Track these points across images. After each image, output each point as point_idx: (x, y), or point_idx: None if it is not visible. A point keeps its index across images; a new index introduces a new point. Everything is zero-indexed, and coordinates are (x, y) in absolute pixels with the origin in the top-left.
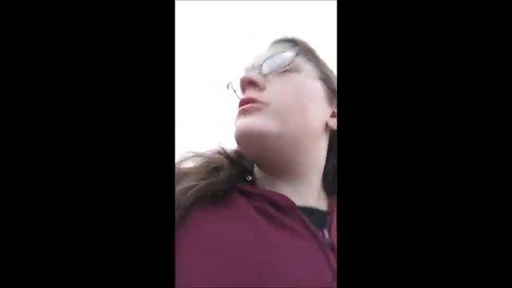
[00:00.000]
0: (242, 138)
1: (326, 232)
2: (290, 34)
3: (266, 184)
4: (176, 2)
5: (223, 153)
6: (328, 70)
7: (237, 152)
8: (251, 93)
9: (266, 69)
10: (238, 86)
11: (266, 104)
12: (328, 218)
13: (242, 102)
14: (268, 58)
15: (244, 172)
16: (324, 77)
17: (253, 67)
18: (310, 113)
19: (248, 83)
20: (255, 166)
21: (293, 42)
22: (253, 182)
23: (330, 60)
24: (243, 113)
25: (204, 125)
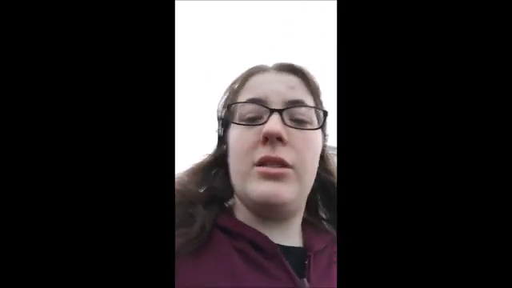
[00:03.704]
0: (267, 204)
1: (305, 281)
2: (291, 59)
3: (251, 220)
4: (176, 2)
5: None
6: (320, 98)
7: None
8: (278, 150)
9: (286, 118)
10: (235, 115)
11: (291, 167)
12: (306, 262)
13: (272, 160)
14: (287, 107)
15: (221, 202)
16: (319, 116)
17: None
18: (316, 169)
19: (277, 139)
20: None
21: (296, 73)
22: (230, 209)
23: (330, 60)
24: (273, 177)
25: (204, 125)
